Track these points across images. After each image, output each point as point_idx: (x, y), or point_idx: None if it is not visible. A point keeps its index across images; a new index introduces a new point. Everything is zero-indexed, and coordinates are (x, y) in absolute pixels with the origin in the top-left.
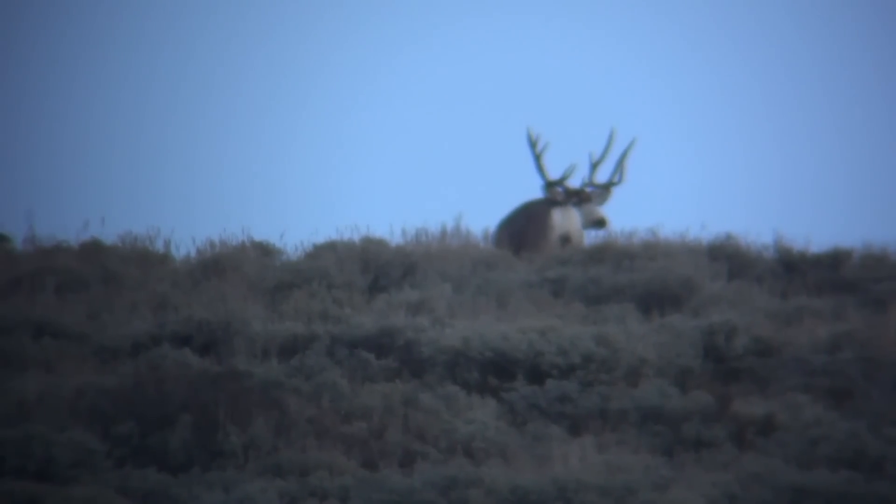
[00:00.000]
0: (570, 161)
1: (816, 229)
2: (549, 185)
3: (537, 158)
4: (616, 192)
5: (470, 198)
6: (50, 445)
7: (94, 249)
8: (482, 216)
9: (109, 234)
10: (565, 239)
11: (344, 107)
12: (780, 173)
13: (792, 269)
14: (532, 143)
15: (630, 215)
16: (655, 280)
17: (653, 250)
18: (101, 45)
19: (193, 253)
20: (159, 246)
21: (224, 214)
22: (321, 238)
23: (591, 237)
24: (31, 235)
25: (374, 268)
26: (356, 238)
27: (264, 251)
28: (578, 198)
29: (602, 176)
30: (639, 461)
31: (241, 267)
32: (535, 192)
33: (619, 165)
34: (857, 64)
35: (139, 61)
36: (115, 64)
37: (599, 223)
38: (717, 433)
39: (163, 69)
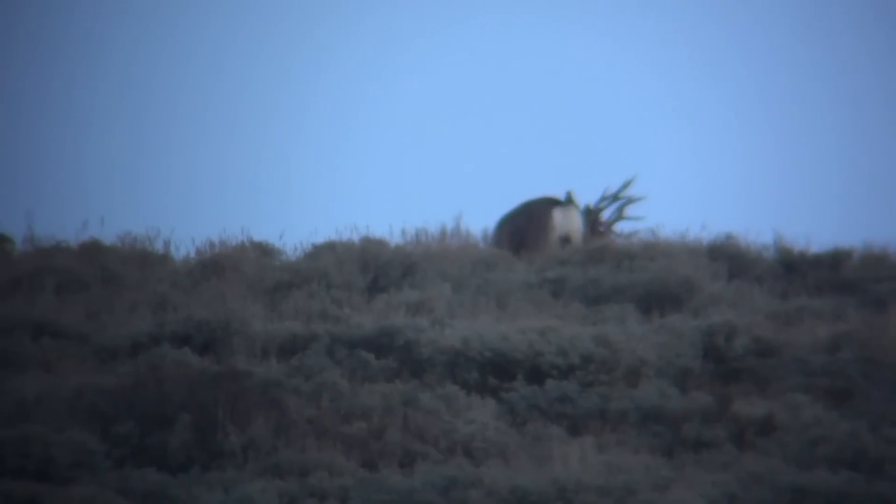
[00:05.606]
0: (570, 162)
1: (816, 229)
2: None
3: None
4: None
5: (470, 198)
6: (49, 445)
7: (93, 249)
8: (482, 216)
9: (109, 235)
10: (565, 239)
11: (344, 107)
12: (780, 173)
13: (792, 269)
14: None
15: (629, 215)
16: (655, 280)
17: (653, 250)
18: (100, 45)
19: (193, 253)
20: (159, 246)
21: (223, 214)
22: (320, 238)
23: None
24: (31, 235)
25: (374, 268)
26: (356, 238)
27: (264, 251)
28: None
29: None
30: (639, 461)
31: (240, 267)
32: (533, 191)
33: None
34: (856, 64)
35: (138, 62)
36: (114, 64)
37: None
38: (717, 433)
39: (162, 70)
